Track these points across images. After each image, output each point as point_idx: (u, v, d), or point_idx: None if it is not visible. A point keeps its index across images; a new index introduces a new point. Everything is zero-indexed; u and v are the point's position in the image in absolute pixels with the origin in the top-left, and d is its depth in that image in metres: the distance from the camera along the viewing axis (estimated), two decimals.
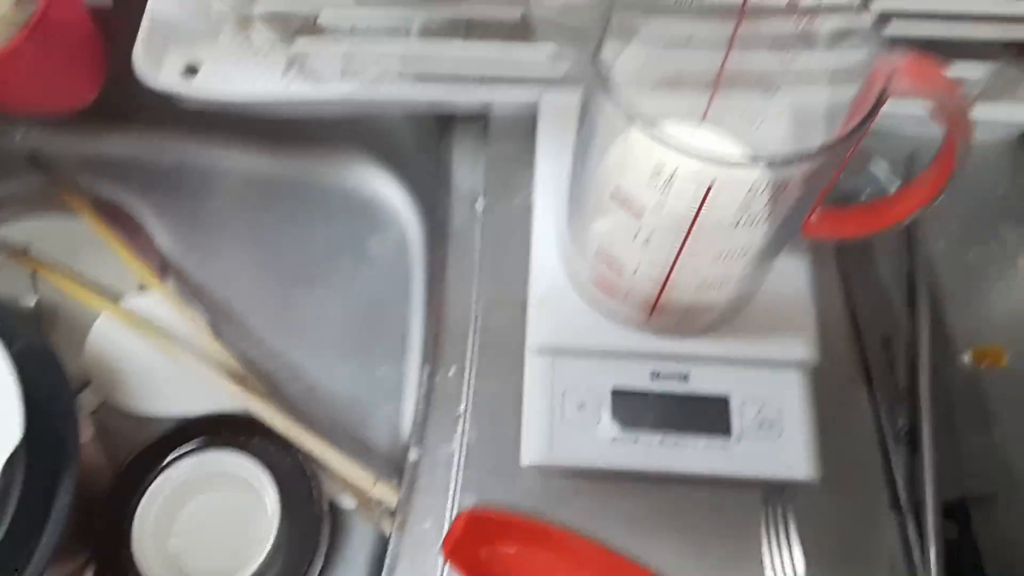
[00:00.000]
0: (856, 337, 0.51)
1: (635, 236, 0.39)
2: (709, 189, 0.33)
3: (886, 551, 0.46)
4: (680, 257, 0.38)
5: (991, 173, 0.58)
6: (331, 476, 0.60)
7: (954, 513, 0.47)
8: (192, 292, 0.72)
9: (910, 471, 0.47)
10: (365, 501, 0.59)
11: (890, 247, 0.54)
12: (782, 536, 0.45)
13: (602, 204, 0.39)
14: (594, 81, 0.33)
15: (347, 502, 0.63)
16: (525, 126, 0.54)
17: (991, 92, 0.56)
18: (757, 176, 0.32)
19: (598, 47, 0.34)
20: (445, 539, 0.43)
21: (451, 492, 0.47)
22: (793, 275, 0.48)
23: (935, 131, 0.37)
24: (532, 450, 0.46)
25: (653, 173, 0.34)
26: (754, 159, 0.31)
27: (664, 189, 0.34)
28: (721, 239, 0.37)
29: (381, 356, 0.71)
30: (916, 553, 0.45)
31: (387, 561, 0.46)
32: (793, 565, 0.45)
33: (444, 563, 0.44)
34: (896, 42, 0.46)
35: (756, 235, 0.37)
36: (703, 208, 0.34)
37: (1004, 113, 0.54)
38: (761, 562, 0.46)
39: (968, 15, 0.43)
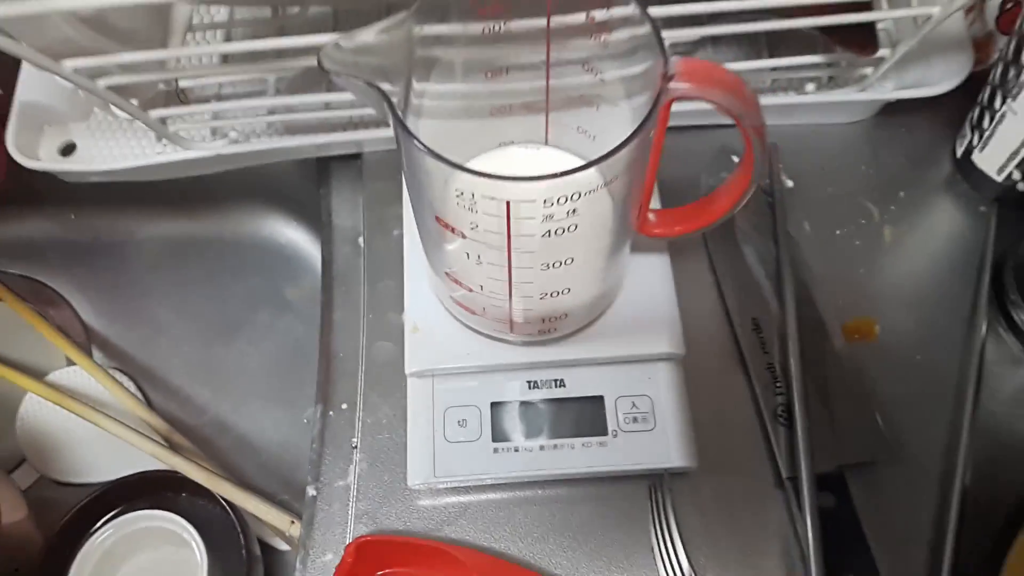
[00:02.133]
0: (728, 323, 0.53)
1: (467, 256, 0.40)
2: (508, 205, 0.35)
3: (774, 528, 0.48)
4: (512, 271, 0.40)
5: (852, 152, 0.60)
6: (260, 520, 0.61)
7: (833, 484, 0.48)
8: (118, 359, 0.74)
9: (789, 447, 0.48)
10: (291, 542, 0.60)
11: (757, 234, 0.56)
12: (664, 526, 0.47)
13: (434, 229, 0.41)
14: (388, 115, 0.35)
15: (281, 544, 0.64)
16: (396, 162, 0.56)
17: (839, 79, 0.58)
18: (547, 188, 0.34)
19: (405, 83, 0.36)
20: (337, 570, 0.44)
21: (348, 523, 0.49)
22: (654, 272, 0.50)
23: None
24: (417, 472, 0.47)
25: (457, 195, 0.36)
26: (533, 176, 0.33)
27: (472, 209, 0.36)
28: (542, 250, 0.39)
29: (308, 399, 0.72)
30: (799, 526, 0.47)
31: None
32: (677, 555, 0.46)
33: None
34: (679, 47, 0.49)
35: (576, 243, 0.39)
36: (511, 223, 0.36)
37: (850, 95, 0.56)
38: (652, 550, 0.47)
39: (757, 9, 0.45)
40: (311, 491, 0.50)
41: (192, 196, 0.77)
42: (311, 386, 0.72)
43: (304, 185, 0.67)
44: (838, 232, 0.57)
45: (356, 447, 0.51)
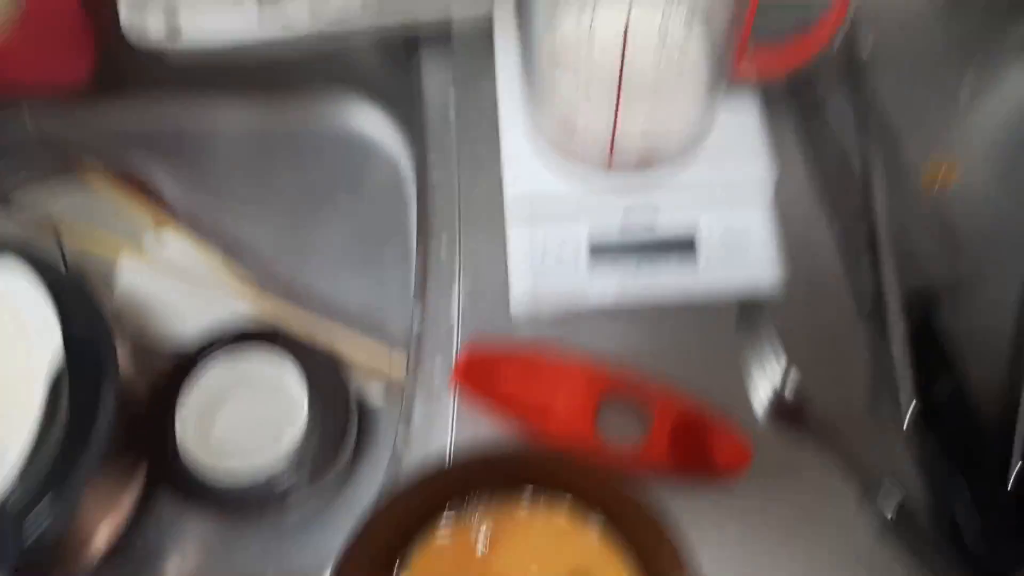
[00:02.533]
0: (814, 159, 0.55)
1: (577, 91, 0.43)
2: (626, 30, 0.37)
3: (860, 355, 0.50)
4: (620, 105, 0.42)
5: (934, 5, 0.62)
6: (357, 369, 0.64)
7: (918, 312, 0.50)
8: (203, 230, 0.77)
9: (874, 278, 0.51)
10: (388, 383, 0.63)
11: (839, 86, 0.58)
12: (761, 341, 0.49)
13: (544, 69, 0.43)
14: None
15: (375, 398, 0.68)
16: (485, 31, 0.58)
17: None
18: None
19: None
20: (453, 370, 0.48)
21: (455, 340, 0.52)
22: (744, 110, 0.52)
23: None
24: (520, 296, 0.50)
25: (576, 26, 0.38)
26: None
27: (588, 39, 0.38)
28: (651, 82, 0.41)
29: (389, 268, 0.75)
30: (887, 352, 0.49)
31: (402, 405, 0.50)
32: (775, 364, 0.49)
33: (455, 391, 0.48)
34: None
35: (682, 73, 0.41)
36: (626, 50, 0.38)
37: None
38: (744, 365, 0.50)
39: None
40: (418, 312, 0.53)
41: (271, 85, 0.79)
42: (391, 258, 0.75)
43: (387, 71, 0.69)
44: (918, 82, 0.59)
45: (458, 275, 0.53)
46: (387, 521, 0.38)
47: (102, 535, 0.59)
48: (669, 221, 0.50)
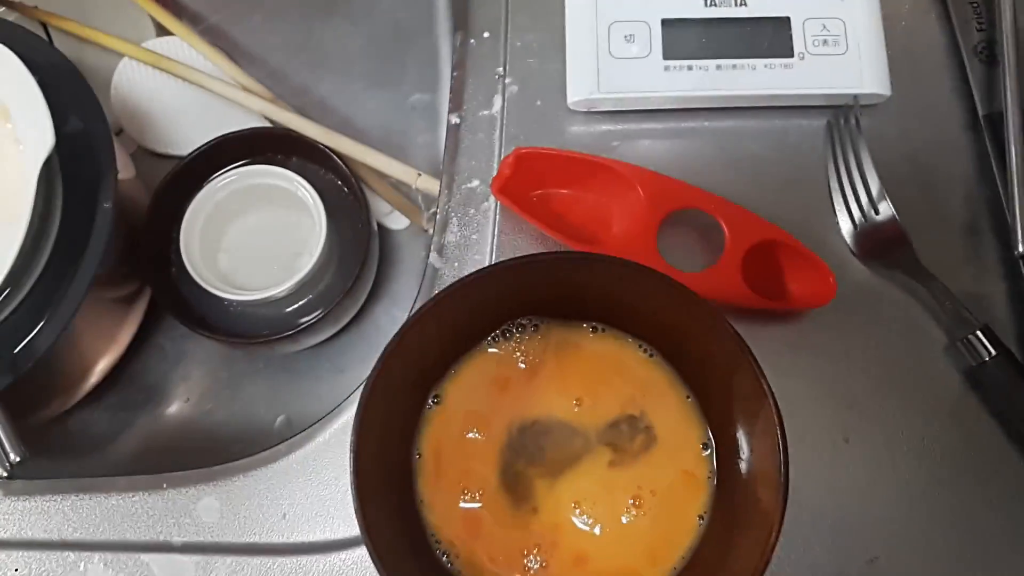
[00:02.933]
0: None
1: None
2: None
3: (960, 169, 0.44)
4: None
5: None
6: (376, 190, 0.58)
7: None
8: (210, 35, 0.69)
9: (987, 86, 0.43)
10: (411, 209, 0.57)
11: None
12: (849, 161, 0.43)
13: None
14: None
15: (396, 222, 0.62)
16: None
17: None
18: None
19: None
20: (495, 179, 0.41)
21: (496, 150, 0.45)
22: None
23: None
24: (578, 88, 0.43)
25: None
26: None
27: None
28: None
29: (413, 83, 0.67)
30: (996, 170, 0.42)
31: (437, 218, 0.44)
32: (865, 185, 0.42)
33: (495, 209, 0.42)
34: None
35: None
36: None
37: None
38: (828, 187, 0.43)
39: None
40: (454, 119, 0.46)
41: None
42: (416, 69, 0.67)
43: None
44: None
45: (503, 75, 0.46)
46: (421, 335, 0.33)
47: (103, 362, 0.55)
48: (757, 12, 0.43)
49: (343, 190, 0.58)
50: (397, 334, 0.32)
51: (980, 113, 0.43)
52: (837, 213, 0.43)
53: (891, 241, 0.41)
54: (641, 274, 0.33)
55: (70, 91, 0.49)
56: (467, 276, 0.33)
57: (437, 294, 0.32)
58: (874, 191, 0.42)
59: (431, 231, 0.54)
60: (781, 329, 0.41)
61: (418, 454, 0.35)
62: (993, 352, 0.39)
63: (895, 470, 0.40)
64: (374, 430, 0.32)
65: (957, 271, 0.42)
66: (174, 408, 0.59)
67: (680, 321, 0.34)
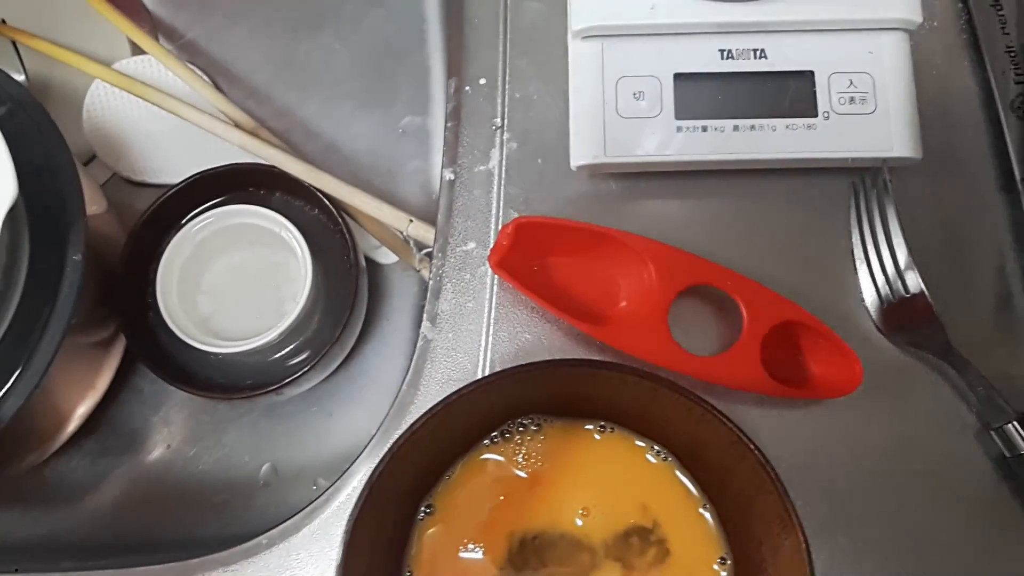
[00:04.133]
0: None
1: None
2: None
3: (994, 237, 0.40)
4: None
5: None
6: (363, 226, 0.54)
7: None
8: (189, 52, 0.65)
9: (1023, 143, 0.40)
10: (401, 248, 0.54)
11: None
12: (878, 226, 0.39)
13: None
14: None
15: (385, 256, 0.58)
16: None
17: None
18: None
19: None
20: (492, 250, 0.38)
21: (493, 209, 0.42)
22: None
23: None
24: (583, 151, 0.40)
25: None
26: None
27: None
28: None
29: (403, 105, 0.64)
30: None
31: (430, 285, 0.41)
32: (893, 255, 0.39)
33: (493, 276, 0.39)
34: None
35: None
36: None
37: None
38: (852, 255, 0.40)
39: None
40: (448, 175, 0.42)
41: None
42: (407, 90, 0.63)
43: None
44: None
45: (501, 127, 0.42)
46: (416, 446, 0.30)
47: (80, 410, 0.52)
48: (778, 68, 0.39)
49: (328, 226, 0.54)
50: (390, 450, 0.29)
51: (1017, 175, 0.40)
52: (861, 283, 0.40)
53: (920, 318, 0.38)
54: (656, 383, 0.30)
55: (35, 130, 0.46)
56: (464, 387, 0.30)
57: (431, 408, 0.29)
58: (902, 262, 0.39)
59: (424, 272, 0.51)
60: (801, 411, 0.38)
61: (409, 571, 0.32)
62: None
63: (922, 564, 0.37)
64: (362, 552, 0.30)
65: (990, 350, 0.39)
66: (155, 455, 0.57)
67: (698, 431, 0.31)
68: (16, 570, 0.41)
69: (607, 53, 0.40)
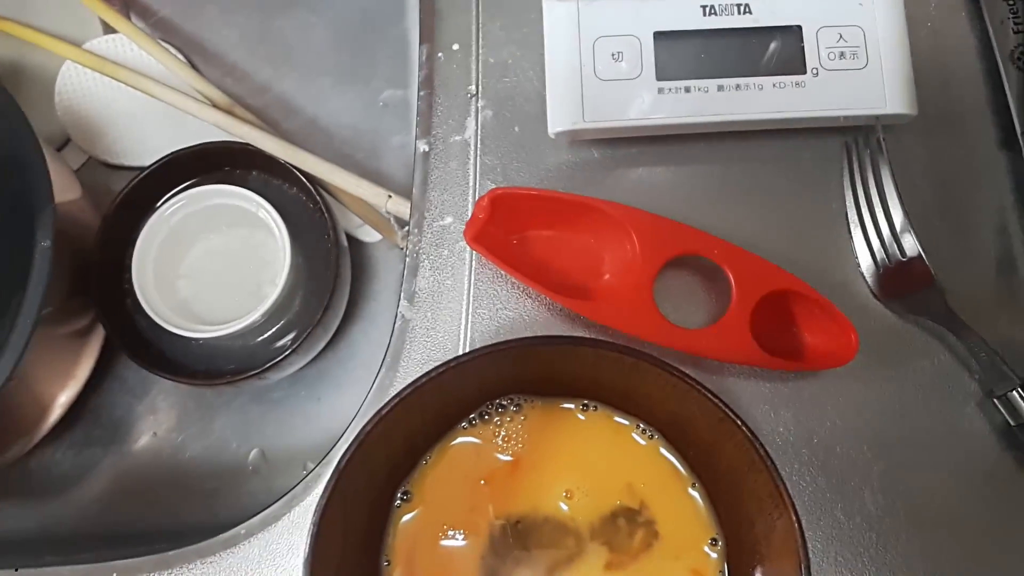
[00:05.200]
0: None
1: None
2: None
3: (994, 196, 0.39)
4: None
5: None
6: (345, 204, 0.53)
7: None
8: (162, 29, 0.63)
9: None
10: (383, 225, 0.52)
11: None
12: (872, 187, 0.37)
13: None
14: None
15: (368, 234, 0.57)
16: None
17: None
18: None
19: None
20: (468, 225, 0.36)
21: (471, 182, 0.40)
22: None
23: None
24: (561, 115, 0.38)
25: None
26: None
27: None
28: None
29: (382, 79, 0.62)
30: None
31: (407, 262, 0.39)
32: (888, 217, 0.37)
33: (471, 253, 0.37)
34: None
35: None
36: None
37: None
38: (846, 218, 0.38)
39: None
40: (422, 146, 0.41)
41: None
42: (385, 64, 0.62)
43: None
44: None
45: (475, 95, 0.40)
46: (387, 431, 0.28)
47: (61, 399, 0.51)
48: (764, 23, 0.37)
49: (308, 205, 0.53)
50: (357, 437, 0.28)
51: (1019, 130, 0.38)
52: (856, 248, 0.38)
53: (917, 283, 0.37)
54: (637, 359, 0.28)
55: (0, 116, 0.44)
56: (436, 368, 0.28)
57: (404, 388, 0.28)
58: (898, 224, 0.37)
59: (406, 248, 0.49)
60: (795, 383, 0.37)
61: (387, 561, 0.31)
62: None
63: (923, 538, 0.36)
64: (334, 542, 0.28)
65: (992, 314, 0.37)
66: (141, 443, 0.56)
67: (684, 408, 0.29)
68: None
69: (583, 13, 0.38)
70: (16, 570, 0.40)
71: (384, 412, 0.27)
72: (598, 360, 0.29)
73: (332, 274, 0.50)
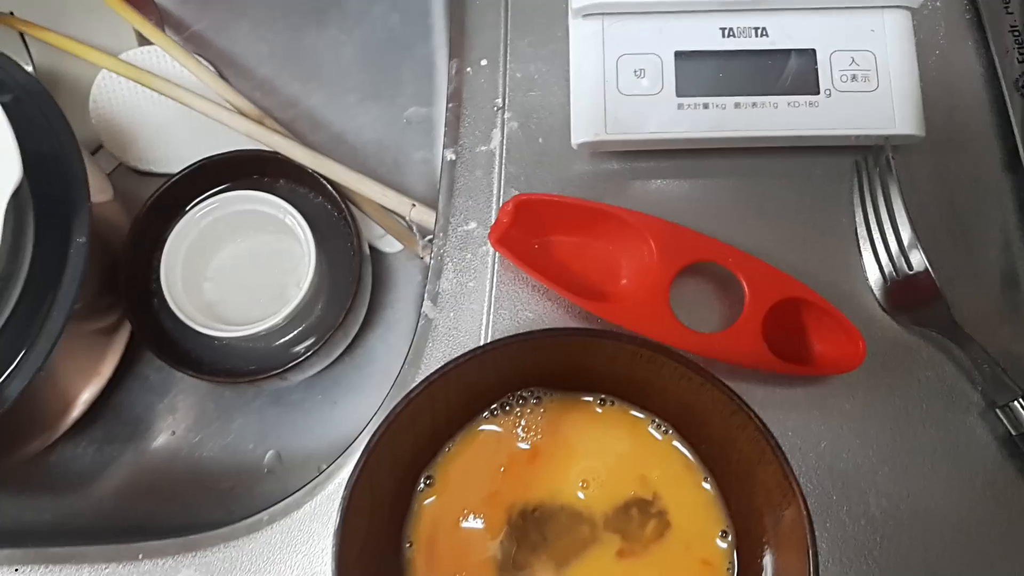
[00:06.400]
0: None
1: None
2: None
3: (998, 215, 0.40)
4: None
5: None
6: (368, 214, 0.55)
7: None
8: (195, 44, 0.65)
9: None
10: (405, 235, 0.54)
11: None
12: (878, 203, 0.39)
13: None
14: None
15: (389, 245, 0.58)
16: None
17: None
18: None
19: None
20: (493, 228, 0.38)
21: (495, 189, 0.42)
22: None
23: None
24: (584, 129, 0.40)
25: None
26: None
27: None
28: None
29: (408, 96, 0.64)
30: None
31: (431, 265, 0.41)
32: (896, 233, 0.39)
33: (494, 256, 0.39)
34: None
35: None
36: None
37: None
38: (856, 233, 0.40)
39: None
40: (449, 155, 0.42)
41: None
42: (411, 83, 0.64)
43: None
44: None
45: (502, 107, 0.42)
46: (413, 416, 0.30)
47: (84, 396, 0.52)
48: (780, 46, 0.39)
49: (332, 213, 0.54)
50: (387, 418, 0.29)
51: (1021, 152, 0.40)
52: (865, 262, 0.40)
53: (923, 296, 0.38)
54: (654, 352, 0.29)
55: (41, 116, 0.46)
56: (461, 356, 0.29)
57: (428, 377, 0.29)
58: (905, 240, 0.39)
59: (427, 259, 0.51)
60: (803, 390, 0.38)
61: (409, 543, 0.32)
62: None
63: (926, 544, 0.37)
64: (360, 520, 0.30)
65: (995, 328, 0.39)
66: (160, 441, 0.57)
67: (698, 402, 0.31)
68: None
69: (608, 31, 0.40)
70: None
71: (413, 396, 0.29)
72: (616, 353, 0.31)
73: (354, 281, 0.51)
